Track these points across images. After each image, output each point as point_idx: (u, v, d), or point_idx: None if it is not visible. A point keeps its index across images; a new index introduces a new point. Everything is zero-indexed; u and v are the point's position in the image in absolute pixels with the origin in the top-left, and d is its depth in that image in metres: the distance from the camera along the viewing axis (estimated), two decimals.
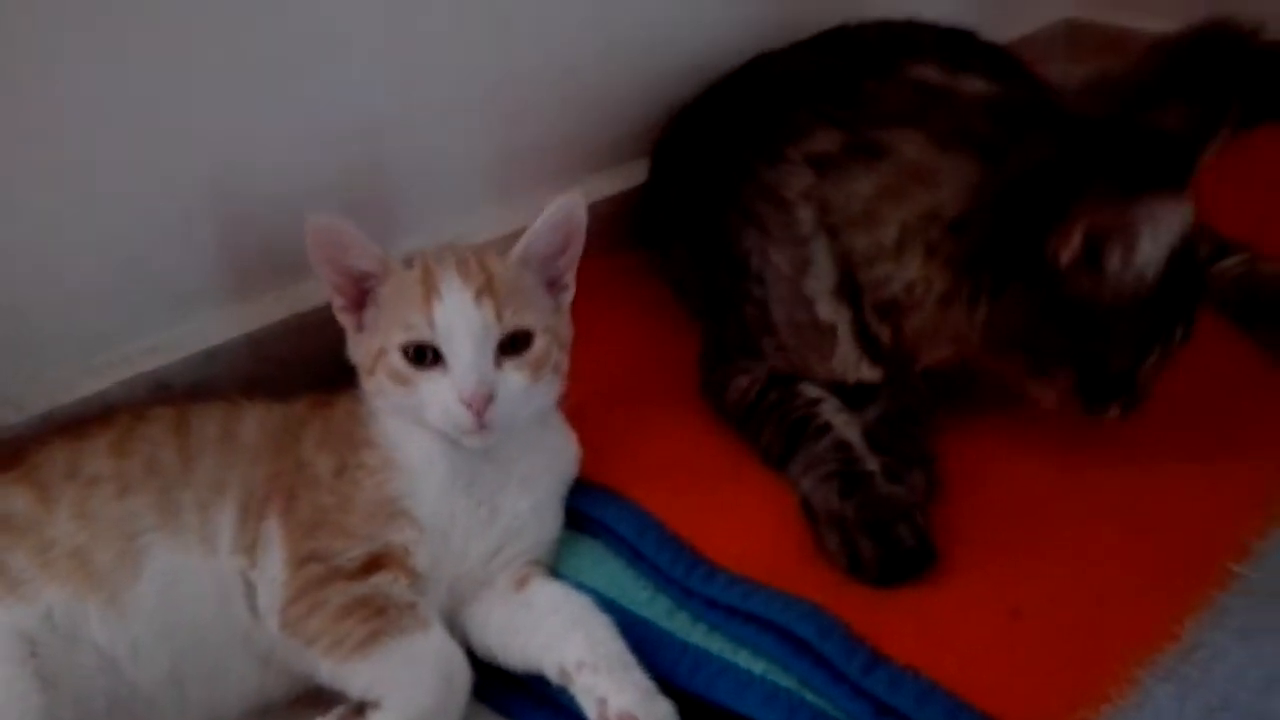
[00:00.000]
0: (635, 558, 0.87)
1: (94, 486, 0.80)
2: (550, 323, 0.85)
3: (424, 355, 0.80)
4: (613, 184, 1.27)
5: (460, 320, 0.80)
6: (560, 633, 0.79)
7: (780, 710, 0.75)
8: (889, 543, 0.81)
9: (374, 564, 0.79)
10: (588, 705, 0.76)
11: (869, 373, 0.94)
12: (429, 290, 0.81)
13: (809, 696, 0.75)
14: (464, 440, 0.82)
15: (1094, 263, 0.83)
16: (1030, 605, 0.79)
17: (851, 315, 0.92)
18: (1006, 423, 0.95)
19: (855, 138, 0.93)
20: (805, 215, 0.93)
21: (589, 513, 0.91)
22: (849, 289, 0.92)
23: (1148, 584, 0.81)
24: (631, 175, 1.27)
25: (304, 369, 0.99)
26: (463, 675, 0.77)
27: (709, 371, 1.02)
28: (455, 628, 0.83)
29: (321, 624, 0.77)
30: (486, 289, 0.80)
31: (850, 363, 0.94)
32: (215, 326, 1.00)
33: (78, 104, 0.88)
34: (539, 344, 0.82)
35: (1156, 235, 0.82)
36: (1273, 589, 0.80)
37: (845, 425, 0.92)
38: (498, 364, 0.81)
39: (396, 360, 0.81)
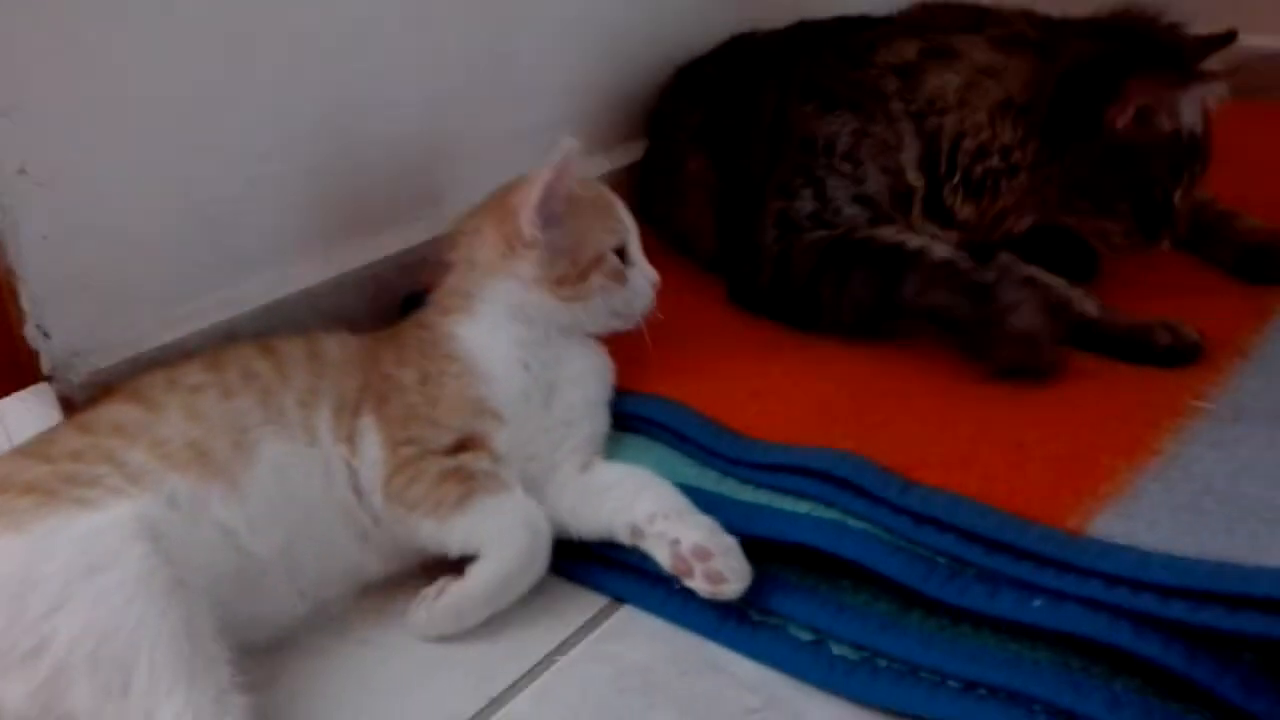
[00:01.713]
0: (680, 441, 0.98)
1: (198, 392, 0.88)
2: None
3: (623, 255, 1.00)
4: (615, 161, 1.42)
5: (633, 224, 1.02)
6: (629, 496, 0.90)
7: (827, 535, 0.85)
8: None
9: (461, 447, 0.90)
10: (660, 552, 0.86)
11: (939, 233, 1.13)
12: (611, 203, 1.02)
13: (851, 522, 0.86)
14: (624, 325, 1.01)
15: (1143, 123, 1.06)
16: (1030, 438, 0.91)
17: (925, 184, 1.12)
18: None
19: (930, 43, 1.13)
20: (897, 107, 1.12)
21: (634, 412, 1.02)
22: (928, 164, 1.12)
23: (1128, 418, 0.94)
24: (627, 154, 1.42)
25: (354, 322, 1.09)
26: (544, 525, 0.88)
27: (752, 260, 1.16)
28: None
29: (421, 490, 0.87)
30: None
31: (922, 222, 1.13)
32: (277, 282, 1.10)
33: (166, 77, 0.99)
34: None
35: (1193, 105, 1.08)
36: (1232, 415, 0.94)
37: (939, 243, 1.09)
38: None
39: (614, 261, 0.99)
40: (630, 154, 1.44)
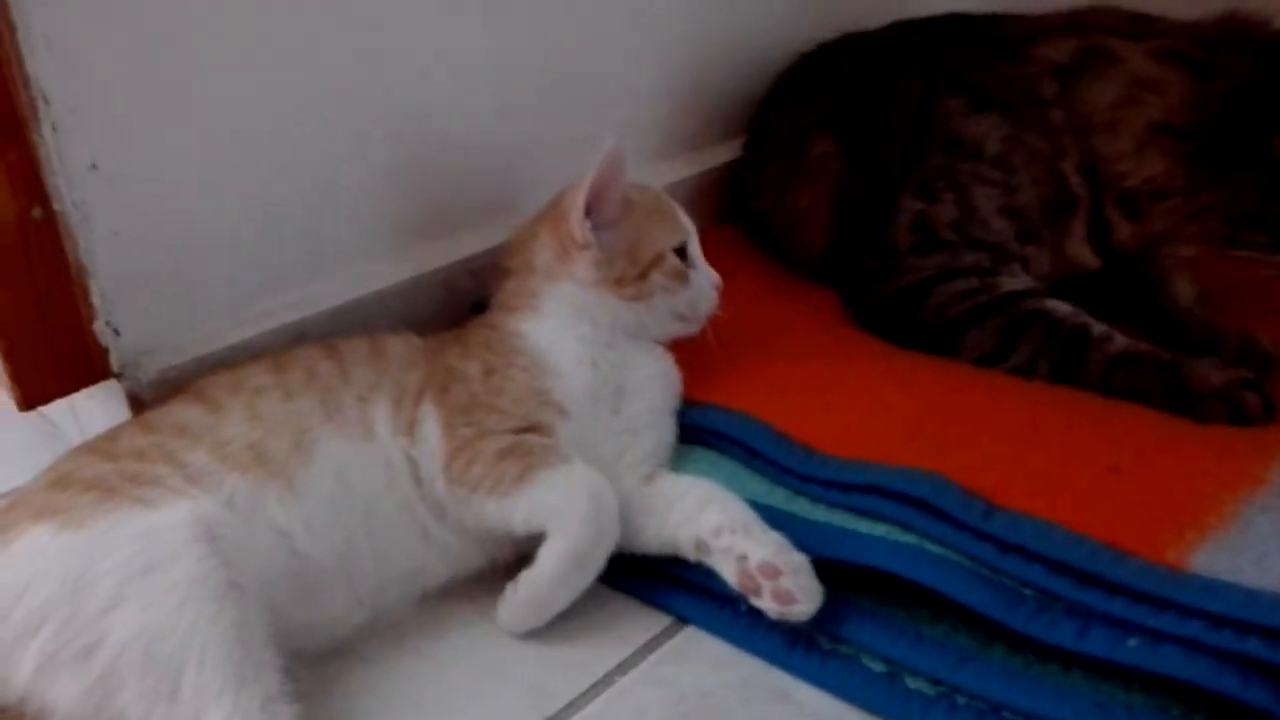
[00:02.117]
0: (750, 456, 0.94)
1: (260, 394, 0.87)
2: None
3: (683, 255, 0.98)
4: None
5: (692, 226, 1.01)
6: (694, 509, 0.86)
7: (905, 560, 0.81)
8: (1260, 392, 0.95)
9: (521, 432, 0.88)
10: (726, 568, 0.83)
11: (1091, 260, 1.08)
12: (668, 205, 1.01)
13: (930, 547, 0.81)
14: (687, 328, 1.00)
15: None
16: (1124, 463, 0.85)
17: (1090, 196, 1.06)
18: None
19: (1088, 43, 1.07)
20: (1057, 115, 1.06)
21: (702, 424, 0.98)
22: (1090, 176, 1.06)
23: (1229, 445, 0.88)
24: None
25: (422, 325, 1.08)
26: (609, 494, 0.85)
27: (880, 258, 1.11)
28: None
29: (482, 469, 0.85)
30: None
31: (1078, 242, 1.07)
32: (347, 284, 1.09)
33: (237, 75, 0.98)
34: None
35: None
36: None
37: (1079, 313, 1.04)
38: None
39: (675, 260, 0.97)
40: (715, 157, 1.41)
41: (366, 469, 0.86)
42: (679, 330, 1.01)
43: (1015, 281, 1.07)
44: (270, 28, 0.99)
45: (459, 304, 1.15)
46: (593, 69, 1.27)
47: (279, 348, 1.00)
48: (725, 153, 1.43)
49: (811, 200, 1.21)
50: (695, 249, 1.01)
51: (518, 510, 0.84)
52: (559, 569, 0.84)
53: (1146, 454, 0.87)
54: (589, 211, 0.96)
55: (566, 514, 0.83)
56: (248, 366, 0.92)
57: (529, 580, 0.84)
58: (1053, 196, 1.06)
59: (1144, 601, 0.72)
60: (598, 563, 0.84)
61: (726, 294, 1.10)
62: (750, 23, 1.44)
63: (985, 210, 1.07)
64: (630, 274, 0.97)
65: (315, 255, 1.07)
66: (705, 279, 1.01)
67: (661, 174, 1.36)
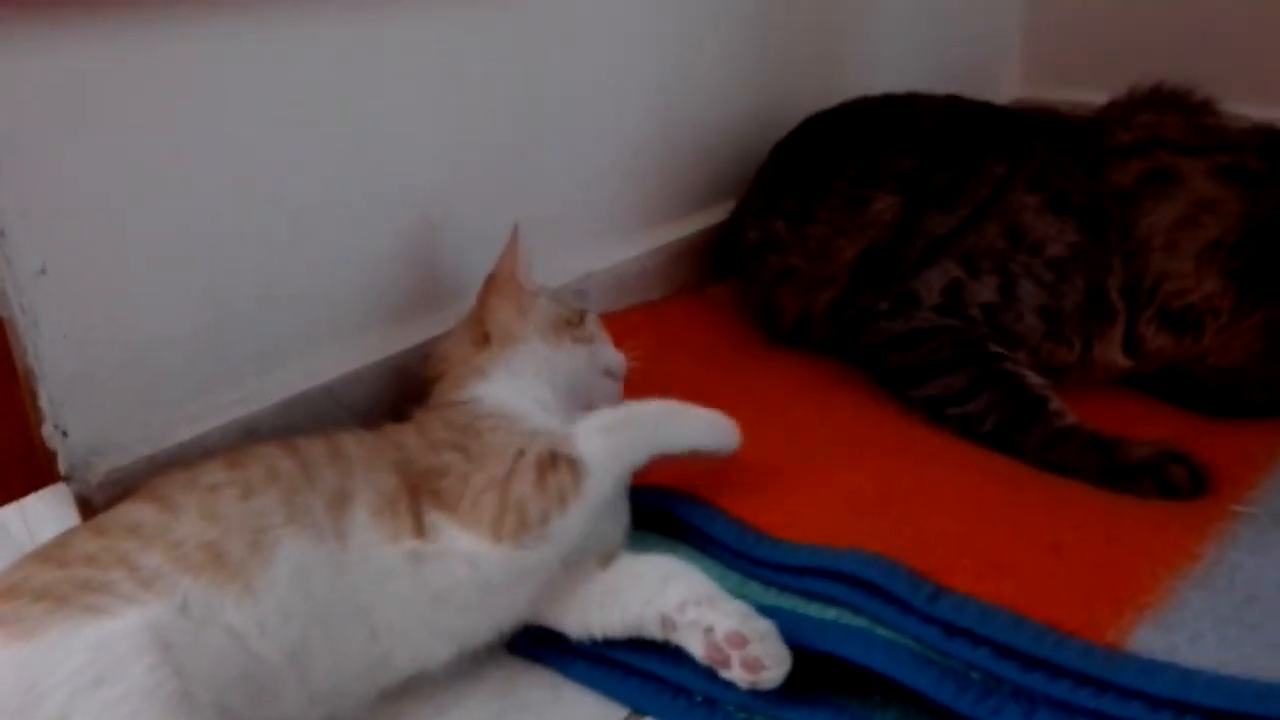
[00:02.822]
0: (704, 541, 0.96)
1: (217, 492, 0.87)
2: None
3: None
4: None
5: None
6: (657, 585, 0.86)
7: (857, 645, 0.82)
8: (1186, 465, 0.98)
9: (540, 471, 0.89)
10: (693, 641, 0.83)
11: (1123, 362, 1.13)
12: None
13: (881, 631, 0.83)
14: (619, 388, 1.07)
15: None
16: (1067, 541, 0.88)
17: (1126, 311, 1.11)
18: None
19: (1154, 164, 1.12)
20: (1115, 239, 1.11)
21: (655, 508, 0.99)
22: (1129, 294, 1.11)
23: (1165, 523, 0.91)
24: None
25: (371, 415, 1.10)
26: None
27: (896, 303, 1.15)
28: (550, 617, 0.91)
29: (538, 506, 0.86)
30: None
31: (1113, 348, 1.12)
32: (298, 376, 1.09)
33: (184, 176, 0.99)
34: None
35: None
36: (1271, 519, 0.91)
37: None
38: None
39: (593, 314, 1.08)
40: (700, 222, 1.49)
41: (333, 573, 0.85)
42: (610, 389, 1.06)
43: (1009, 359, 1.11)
44: (214, 131, 1.00)
45: (412, 389, 1.16)
46: (533, 155, 1.30)
47: (230, 444, 1.01)
48: (705, 219, 1.49)
49: (854, 255, 1.22)
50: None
51: (595, 492, 0.89)
52: (683, 430, 0.96)
53: (1087, 531, 0.89)
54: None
55: (629, 440, 0.92)
56: (204, 464, 0.91)
57: (702, 430, 0.98)
58: (1093, 308, 1.11)
59: (1087, 684, 0.74)
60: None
61: (690, 365, 1.16)
62: (714, 96, 1.49)
63: (1025, 304, 1.11)
64: (570, 317, 1.06)
65: (266, 349, 1.08)
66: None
67: (645, 241, 1.43)
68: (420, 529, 0.87)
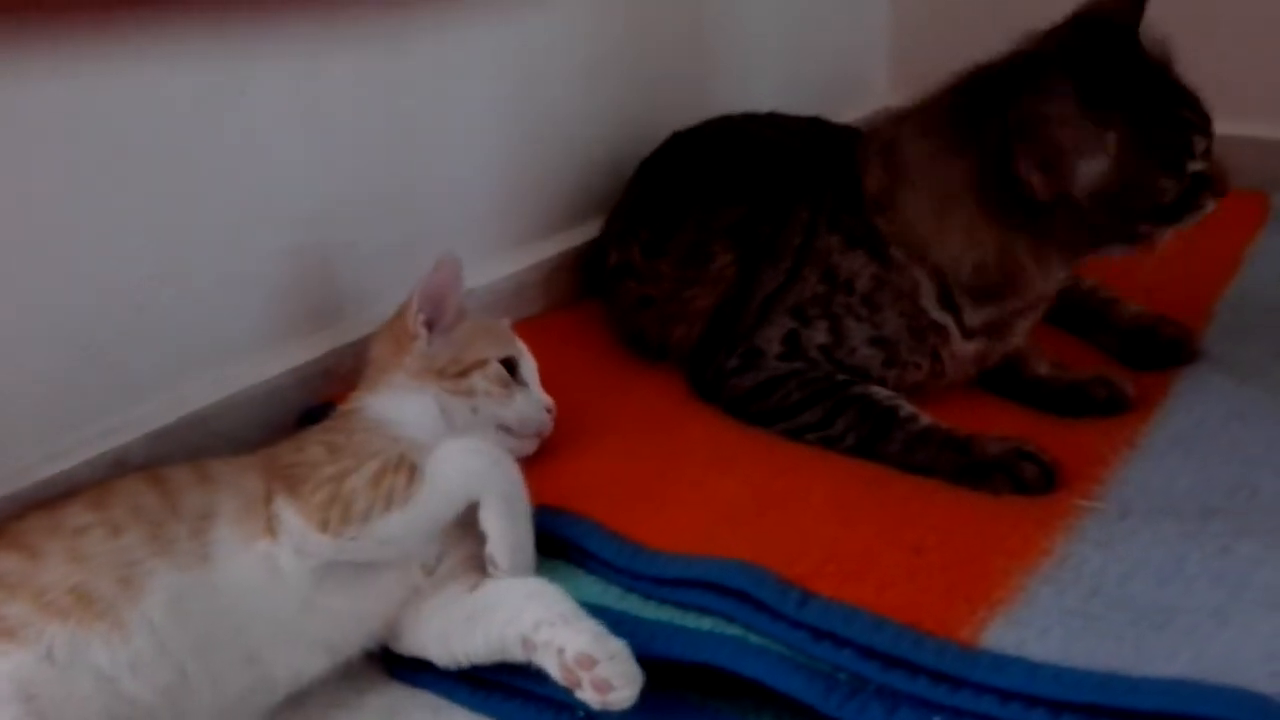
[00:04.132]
0: (584, 557, 0.97)
1: (82, 534, 0.85)
2: None
3: (513, 371, 1.07)
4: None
5: (528, 353, 1.11)
6: (518, 605, 0.86)
7: (729, 653, 0.85)
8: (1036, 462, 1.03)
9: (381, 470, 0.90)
10: (549, 663, 0.83)
11: (970, 350, 1.17)
12: (505, 330, 1.13)
13: (753, 638, 0.85)
14: (523, 445, 1.06)
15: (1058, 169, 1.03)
16: (927, 542, 0.92)
17: (954, 317, 1.14)
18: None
19: (886, 156, 1.15)
20: (899, 254, 1.13)
21: (538, 528, 1.00)
22: (947, 301, 1.13)
23: (1018, 520, 0.96)
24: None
25: (248, 442, 1.08)
26: (492, 445, 0.95)
27: (743, 359, 1.18)
28: (417, 645, 0.91)
29: (365, 500, 0.88)
30: None
31: (959, 348, 1.16)
32: (167, 407, 1.08)
33: (47, 206, 0.97)
34: None
35: (1063, 123, 1.02)
36: (1117, 513, 0.96)
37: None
38: None
39: (498, 369, 1.06)
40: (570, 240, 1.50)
41: (205, 598, 0.85)
42: (510, 445, 1.04)
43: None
44: (72, 164, 0.98)
45: (285, 416, 1.15)
46: (414, 174, 1.30)
47: (99, 478, 0.99)
48: (580, 234, 1.51)
49: (707, 305, 1.25)
50: (528, 372, 1.10)
51: (426, 505, 0.89)
52: (505, 515, 0.91)
53: (947, 531, 0.94)
54: (426, 312, 1.06)
55: (476, 476, 0.91)
56: (66, 506, 0.89)
57: (498, 541, 0.90)
58: (919, 327, 1.14)
59: (942, 681, 0.78)
60: (522, 487, 0.93)
61: (566, 380, 1.15)
62: (580, 113, 1.51)
63: (855, 339, 1.15)
64: (451, 369, 1.05)
65: (132, 380, 1.06)
66: (535, 400, 1.08)
67: (521, 258, 1.44)
68: (272, 528, 0.88)
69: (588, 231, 1.50)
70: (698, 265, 1.26)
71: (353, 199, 1.23)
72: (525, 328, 1.36)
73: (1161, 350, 1.25)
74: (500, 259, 1.42)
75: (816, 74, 1.95)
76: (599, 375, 1.30)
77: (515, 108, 1.41)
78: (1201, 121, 1.07)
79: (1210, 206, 1.09)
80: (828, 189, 1.19)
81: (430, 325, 1.06)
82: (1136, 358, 1.26)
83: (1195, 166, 1.07)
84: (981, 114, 1.06)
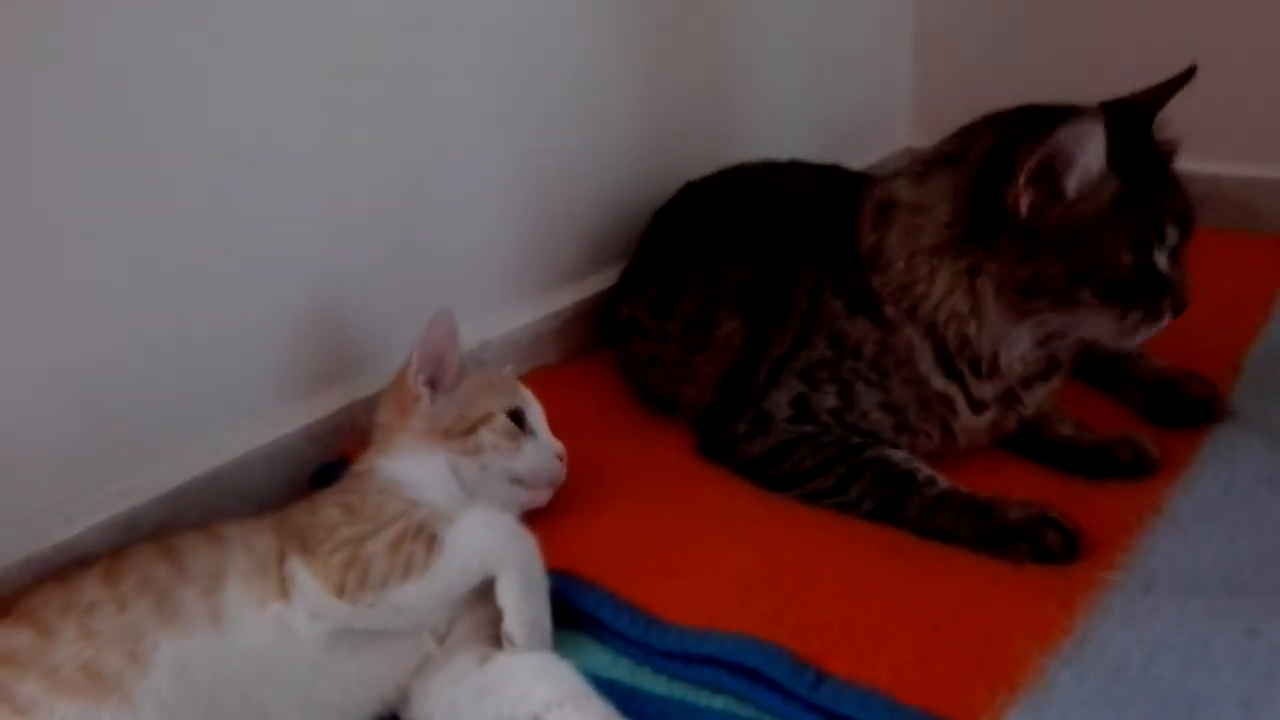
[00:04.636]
0: (596, 627, 0.96)
1: (93, 611, 0.85)
2: None
3: (520, 422, 1.04)
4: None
5: (535, 401, 1.09)
6: (529, 683, 0.85)
7: None
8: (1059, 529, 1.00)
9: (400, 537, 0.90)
10: None
11: (984, 424, 1.14)
12: (507, 380, 1.10)
13: (766, 719, 0.84)
14: (536, 496, 1.05)
15: (1053, 189, 1.01)
16: (944, 618, 0.90)
17: (960, 386, 1.11)
18: None
19: (880, 202, 1.13)
20: (891, 311, 1.10)
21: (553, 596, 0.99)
22: (949, 368, 1.10)
23: (1039, 595, 0.94)
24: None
25: (264, 500, 1.08)
26: (510, 519, 0.94)
27: (753, 425, 1.16)
28: (427, 714, 0.89)
29: (383, 566, 0.87)
30: None
31: (968, 417, 1.13)
32: (179, 468, 1.07)
33: (48, 279, 0.97)
34: None
35: (1087, 149, 0.99)
36: (1141, 587, 0.94)
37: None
38: None
39: (505, 421, 1.04)
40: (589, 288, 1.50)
41: (215, 662, 0.84)
42: (523, 498, 1.05)
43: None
44: (77, 232, 0.99)
45: (299, 475, 1.14)
46: (422, 237, 1.29)
47: (112, 541, 0.99)
48: (598, 283, 1.50)
49: (716, 370, 1.24)
50: (536, 419, 1.07)
51: (444, 576, 0.88)
52: (522, 589, 0.89)
53: (966, 606, 0.92)
54: (426, 372, 1.05)
55: (493, 550, 0.90)
56: (80, 580, 0.89)
57: (514, 617, 0.88)
58: (925, 397, 1.12)
59: None
60: (539, 561, 0.91)
61: (580, 431, 1.14)
62: (597, 163, 1.50)
63: (866, 404, 1.13)
64: (458, 428, 1.03)
65: (145, 441, 1.06)
66: (545, 447, 1.06)
67: (537, 308, 1.43)
68: (285, 590, 0.88)
69: (605, 280, 1.49)
70: (704, 331, 1.25)
71: (366, 254, 1.23)
72: (541, 377, 1.37)
73: (1188, 408, 1.23)
74: (516, 309, 1.42)
75: (840, 119, 1.94)
76: (613, 428, 1.29)
77: (529, 158, 1.40)
78: (1180, 214, 1.05)
79: (1165, 318, 1.06)
80: (831, 248, 1.17)
81: (434, 383, 1.05)
82: (1162, 414, 1.24)
83: (1161, 259, 1.04)
84: (974, 147, 1.06)
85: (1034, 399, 1.15)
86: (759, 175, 1.42)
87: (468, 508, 0.97)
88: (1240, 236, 1.78)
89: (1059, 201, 1.01)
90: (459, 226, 1.33)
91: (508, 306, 1.41)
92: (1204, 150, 1.84)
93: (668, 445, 1.24)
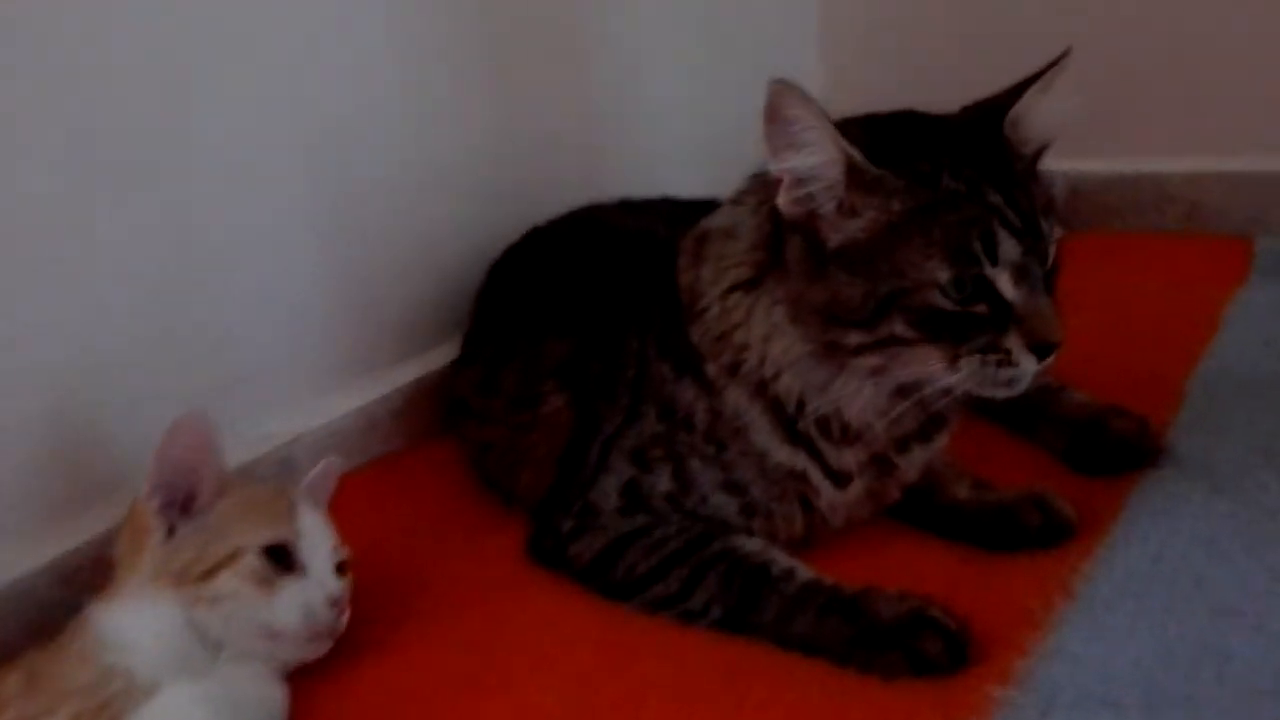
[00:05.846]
0: None
1: None
2: None
3: (283, 558, 0.83)
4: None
5: (316, 529, 0.86)
6: None
7: None
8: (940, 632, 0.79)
9: None
10: None
11: (850, 496, 0.94)
12: (282, 502, 0.87)
13: None
14: (304, 650, 0.83)
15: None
16: None
17: (808, 455, 0.91)
18: None
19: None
20: (712, 369, 0.92)
21: None
22: (792, 435, 0.91)
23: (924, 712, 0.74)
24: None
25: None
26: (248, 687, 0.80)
27: (579, 519, 0.96)
28: None
29: None
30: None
31: (831, 494, 0.93)
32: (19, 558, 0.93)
33: None
34: None
35: (802, 144, 0.84)
36: (1038, 709, 0.74)
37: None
38: None
39: (255, 562, 0.82)
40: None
41: None
42: (285, 653, 0.84)
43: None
44: None
45: (44, 621, 0.94)
46: (225, 299, 1.11)
47: None
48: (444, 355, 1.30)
49: (548, 451, 1.04)
50: (313, 553, 0.86)
51: None
52: None
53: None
54: (164, 495, 0.85)
55: None
56: None
57: None
58: (769, 472, 0.92)
59: None
60: None
61: (394, 545, 0.99)
62: (435, 229, 1.32)
63: (704, 485, 0.93)
64: (194, 570, 0.82)
65: None
66: (315, 590, 0.84)
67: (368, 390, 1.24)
68: None
69: (451, 352, 1.29)
70: (529, 407, 1.05)
71: (130, 345, 1.04)
72: (375, 470, 1.21)
73: (1111, 450, 1.02)
74: (340, 395, 1.23)
75: (736, 136, 1.74)
76: (444, 527, 1.10)
77: (341, 216, 1.21)
78: (1026, 225, 0.83)
79: (1023, 362, 0.82)
80: (656, 298, 0.97)
81: (185, 506, 0.85)
82: (1085, 460, 1.03)
83: (1004, 282, 0.82)
84: None
85: (913, 463, 0.94)
86: (605, 216, 1.23)
87: (208, 670, 0.80)
88: (1188, 239, 1.60)
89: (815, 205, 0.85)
90: (252, 307, 1.14)
91: (326, 393, 1.22)
92: (1145, 147, 1.66)
93: (498, 548, 1.04)
